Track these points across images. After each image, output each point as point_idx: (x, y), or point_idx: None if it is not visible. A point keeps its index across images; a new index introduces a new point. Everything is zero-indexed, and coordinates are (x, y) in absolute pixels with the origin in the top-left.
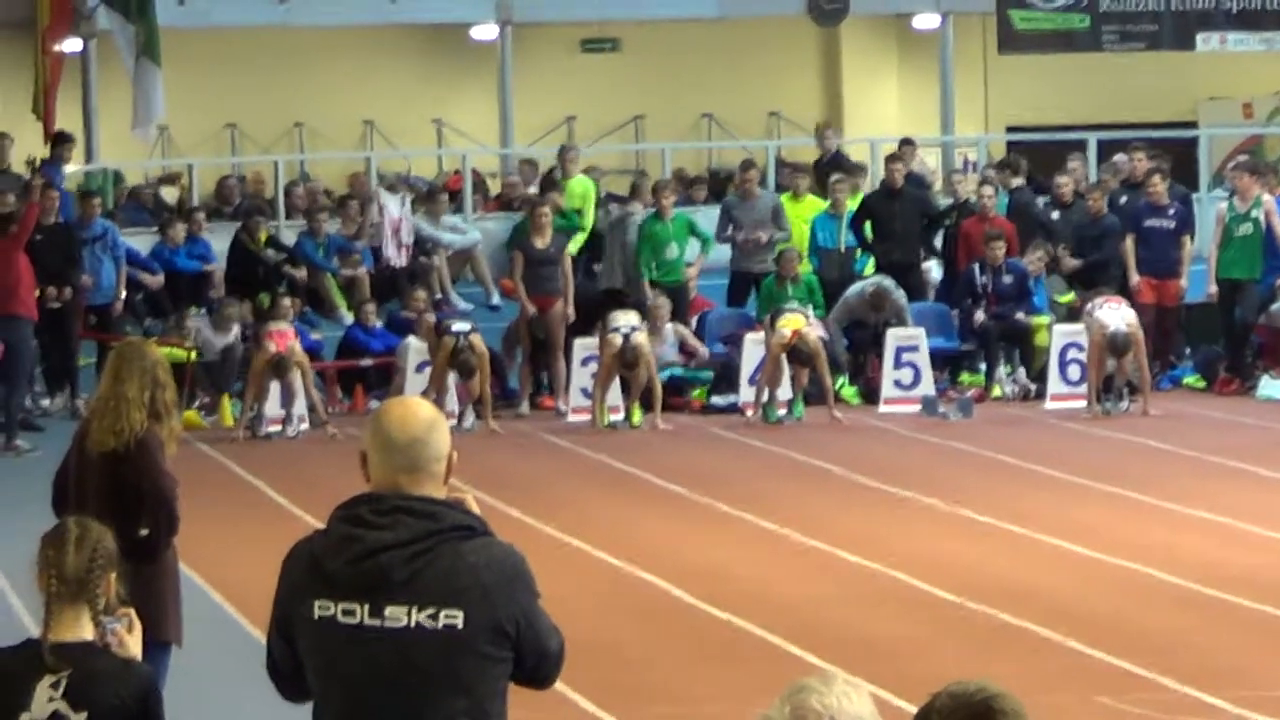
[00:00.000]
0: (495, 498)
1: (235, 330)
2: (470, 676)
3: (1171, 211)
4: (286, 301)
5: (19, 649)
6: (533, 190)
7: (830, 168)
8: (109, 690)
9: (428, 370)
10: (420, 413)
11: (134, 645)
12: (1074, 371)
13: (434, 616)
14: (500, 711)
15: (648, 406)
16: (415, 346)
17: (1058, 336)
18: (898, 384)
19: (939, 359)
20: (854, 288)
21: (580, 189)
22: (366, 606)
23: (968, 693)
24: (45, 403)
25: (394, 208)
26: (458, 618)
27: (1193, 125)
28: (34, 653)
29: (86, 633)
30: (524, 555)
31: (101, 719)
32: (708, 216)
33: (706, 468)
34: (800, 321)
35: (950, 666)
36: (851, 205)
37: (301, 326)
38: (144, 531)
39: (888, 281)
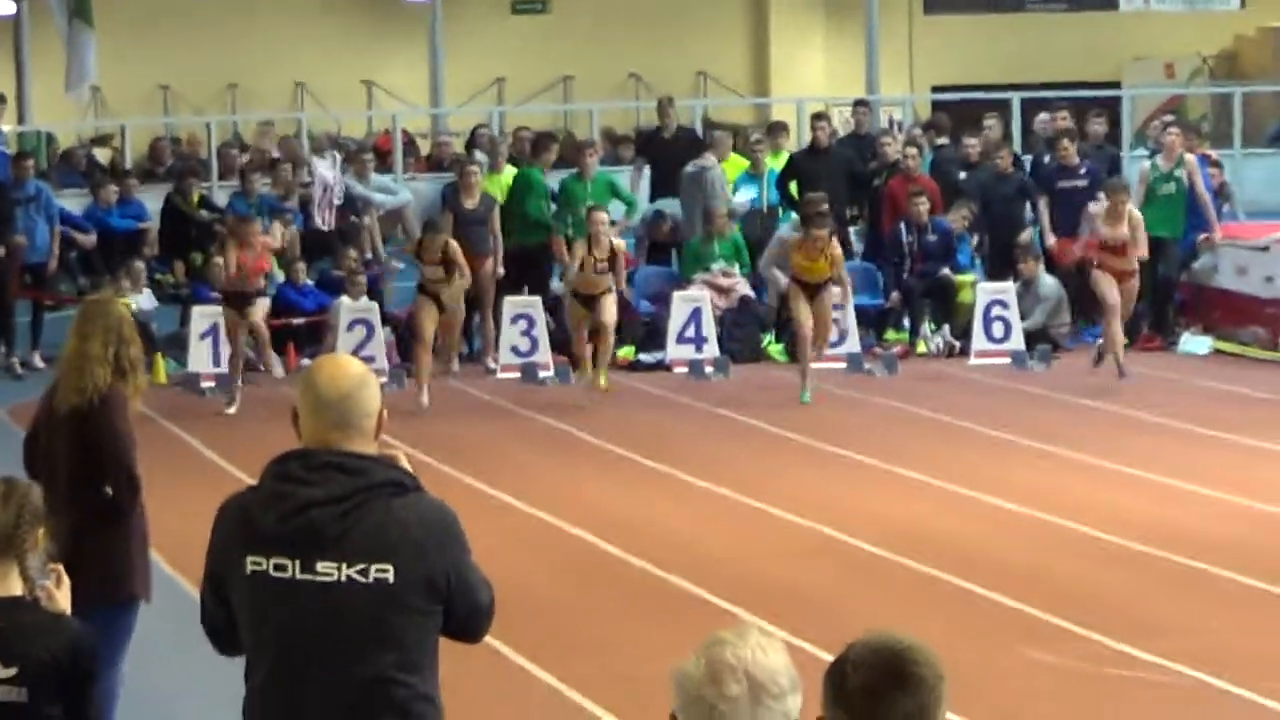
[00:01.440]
0: (426, 455)
1: (147, 291)
2: (401, 630)
3: (1083, 171)
4: (219, 260)
5: None
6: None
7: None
8: (39, 645)
9: (359, 328)
10: (350, 369)
11: (63, 600)
12: (998, 329)
13: (364, 571)
14: (431, 664)
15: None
16: (347, 305)
17: (981, 294)
18: (833, 331)
19: (864, 316)
20: (784, 227)
21: (502, 181)
22: (298, 562)
23: (882, 643)
24: None
25: (324, 169)
26: (388, 572)
27: (1116, 85)
28: None
29: (15, 588)
30: (454, 511)
31: (32, 673)
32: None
33: (639, 425)
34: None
35: (877, 619)
36: (774, 164)
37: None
38: (109, 490)
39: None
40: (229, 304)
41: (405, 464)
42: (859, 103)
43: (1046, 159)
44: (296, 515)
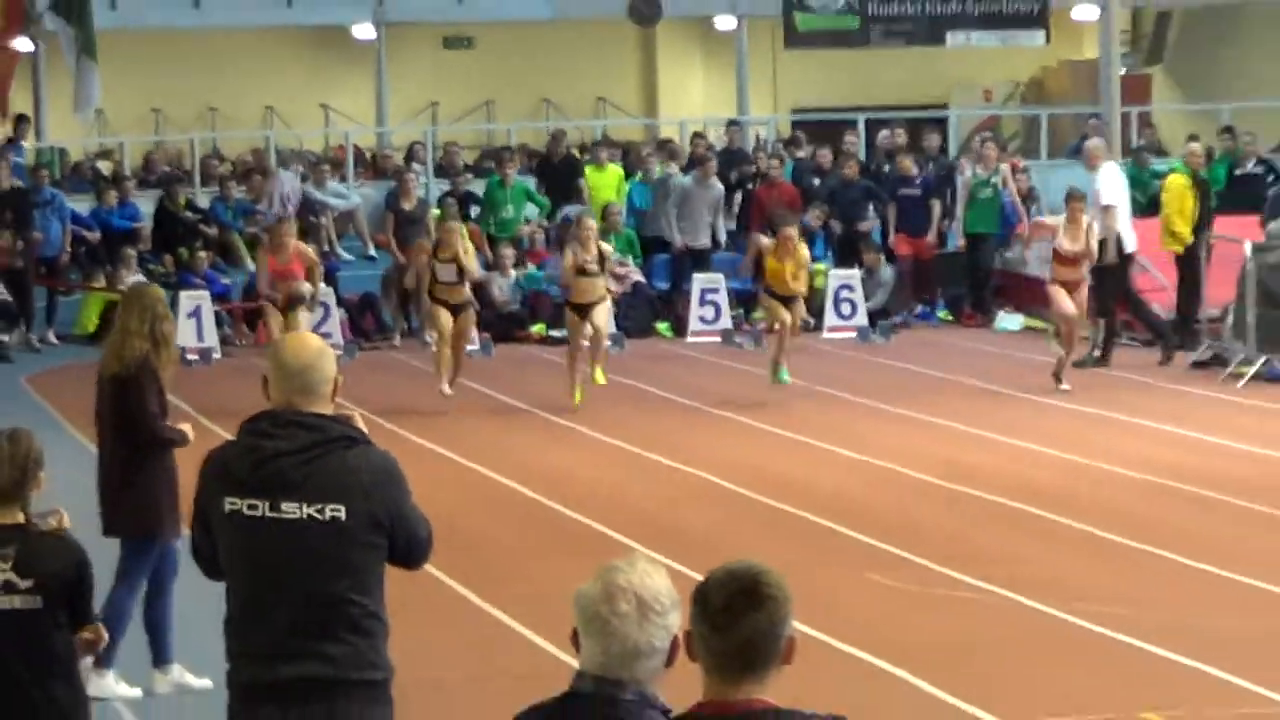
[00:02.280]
0: (375, 415)
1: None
2: (353, 559)
3: (918, 181)
4: (203, 254)
5: None
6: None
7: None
8: (49, 562)
9: (318, 309)
10: (311, 344)
11: (62, 529)
12: (845, 308)
13: (321, 510)
14: (379, 588)
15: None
16: (306, 289)
17: (832, 280)
18: (702, 319)
19: (735, 298)
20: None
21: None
22: (267, 503)
23: (739, 569)
24: (4, 338)
25: (287, 179)
26: (341, 511)
27: (944, 107)
28: None
29: (20, 519)
30: (397, 460)
31: (44, 585)
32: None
33: (553, 391)
34: None
35: (746, 551)
36: (660, 173)
37: (213, 274)
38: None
39: None
40: (274, 306)
41: (359, 423)
42: (731, 122)
43: (887, 169)
44: (266, 464)
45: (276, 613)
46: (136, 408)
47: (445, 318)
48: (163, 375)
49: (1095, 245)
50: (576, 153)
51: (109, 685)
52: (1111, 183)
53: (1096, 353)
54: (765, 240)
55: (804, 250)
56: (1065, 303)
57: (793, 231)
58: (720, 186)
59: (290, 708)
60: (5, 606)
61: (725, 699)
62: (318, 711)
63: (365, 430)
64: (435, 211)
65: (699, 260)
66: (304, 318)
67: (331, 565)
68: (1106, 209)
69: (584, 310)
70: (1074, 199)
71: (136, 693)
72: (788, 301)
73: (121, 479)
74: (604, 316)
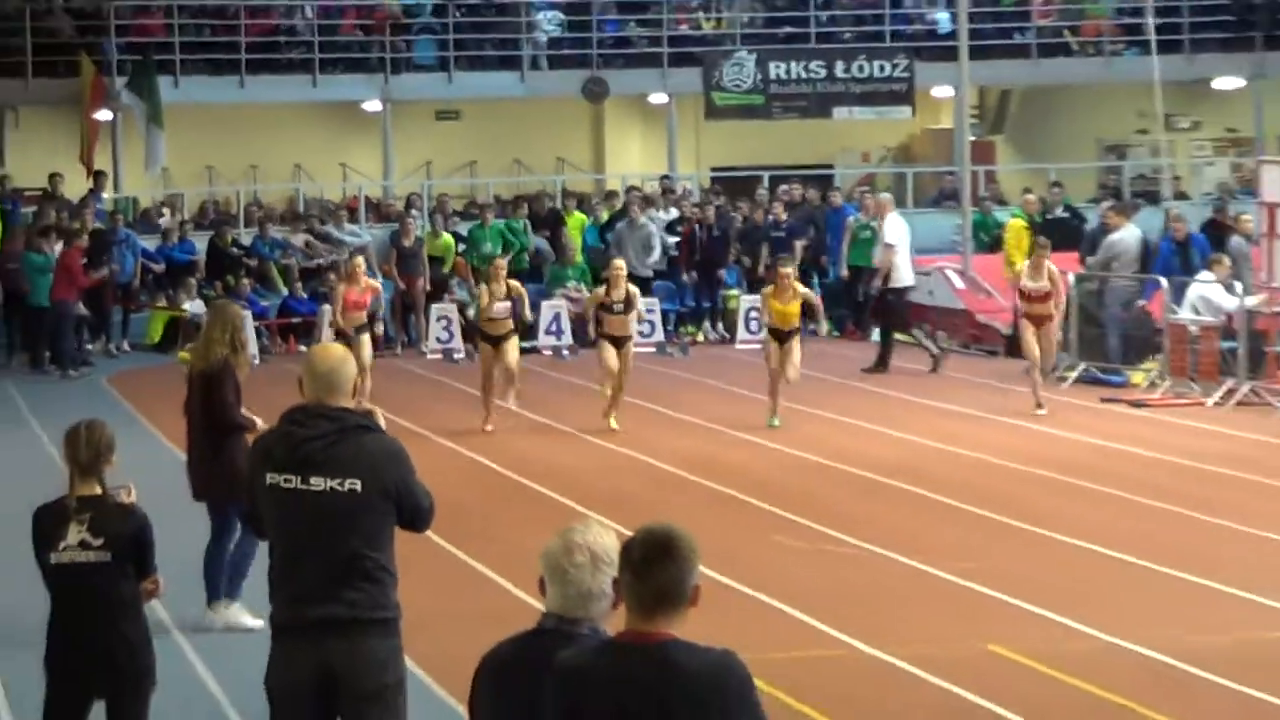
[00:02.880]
0: (388, 412)
1: (198, 300)
2: (367, 523)
3: (784, 225)
4: (245, 281)
5: (54, 503)
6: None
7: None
8: (117, 525)
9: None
10: (334, 352)
11: (131, 500)
12: (754, 325)
13: (341, 483)
14: (389, 546)
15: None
16: (326, 310)
17: (743, 303)
18: (640, 334)
19: (667, 316)
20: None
21: (445, 242)
22: (299, 477)
23: (657, 529)
24: (90, 346)
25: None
26: (358, 484)
27: (831, 166)
28: (64, 505)
29: (97, 491)
30: (403, 444)
31: (111, 543)
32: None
33: (529, 391)
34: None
35: (672, 515)
36: (605, 217)
37: (254, 297)
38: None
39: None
40: (340, 338)
41: (379, 416)
42: (663, 178)
43: (769, 216)
44: (299, 447)
45: (306, 566)
46: (218, 399)
47: (490, 357)
48: (239, 374)
49: (1063, 288)
50: (556, 204)
51: (234, 615)
52: (895, 228)
53: (877, 364)
54: (767, 288)
55: (800, 286)
56: (1031, 345)
57: (788, 270)
58: (650, 227)
59: (318, 642)
60: (82, 560)
61: (641, 631)
62: (340, 645)
63: (381, 421)
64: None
65: (642, 285)
66: (365, 340)
67: (350, 527)
68: (888, 248)
69: (618, 342)
70: (1039, 246)
71: (259, 623)
72: (784, 338)
73: (207, 455)
74: (630, 355)
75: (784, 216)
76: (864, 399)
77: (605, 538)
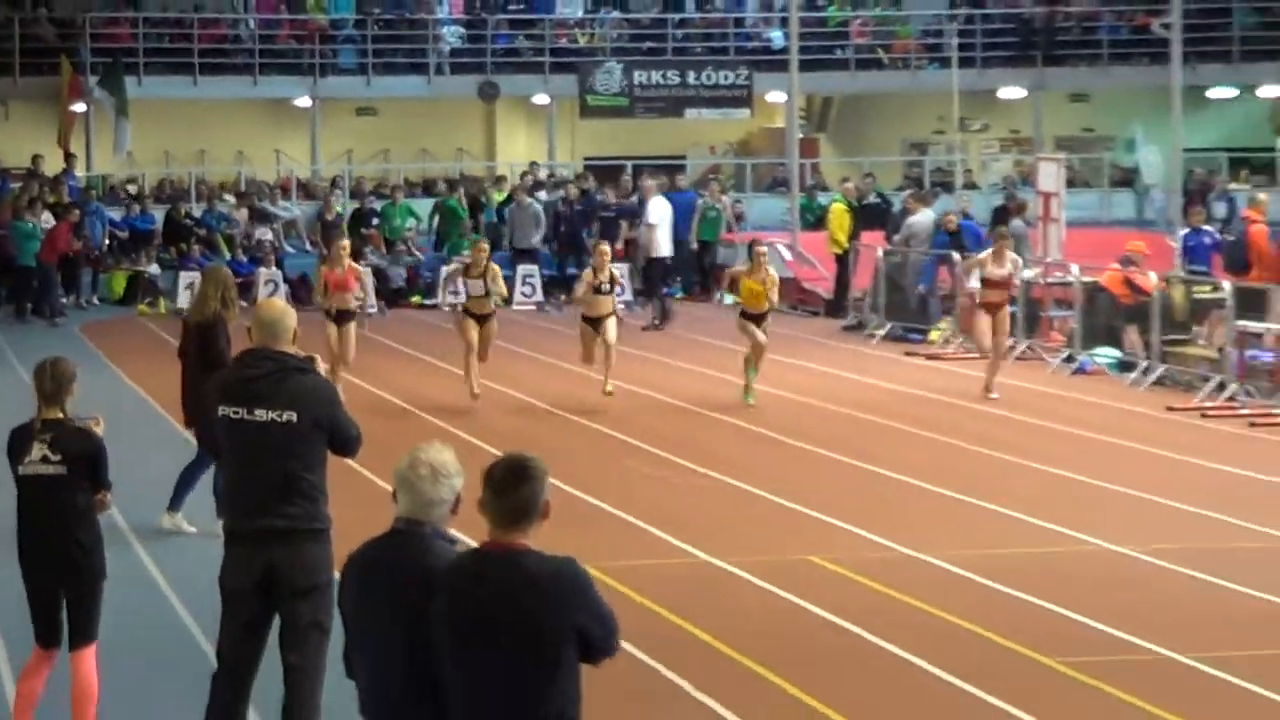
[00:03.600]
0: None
1: (154, 267)
2: (302, 449)
3: (614, 208)
4: (196, 247)
5: (25, 425)
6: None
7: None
8: (75, 444)
9: (270, 285)
10: (278, 304)
11: (99, 431)
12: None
13: (280, 415)
14: (321, 469)
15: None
16: (264, 273)
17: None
18: (524, 295)
19: (547, 281)
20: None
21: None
22: (245, 409)
23: (513, 455)
24: (65, 299)
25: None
26: (293, 416)
27: (683, 158)
28: (32, 426)
29: (60, 416)
30: (333, 383)
31: (69, 460)
32: (425, 205)
33: (429, 341)
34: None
35: (547, 446)
36: (498, 199)
37: (204, 259)
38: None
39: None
40: (329, 317)
41: (319, 363)
42: (532, 164)
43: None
44: (247, 384)
45: (252, 484)
46: (211, 344)
47: (472, 329)
48: (229, 323)
49: (1019, 276)
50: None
51: (177, 521)
52: (659, 209)
53: (656, 321)
54: (737, 267)
55: (772, 270)
56: (984, 334)
57: (764, 249)
58: (536, 206)
59: (262, 547)
60: (43, 472)
61: (500, 541)
62: (280, 550)
63: (320, 367)
64: (475, 237)
65: (527, 255)
66: (349, 330)
67: (287, 452)
68: (650, 226)
69: (596, 323)
70: (1001, 236)
71: (193, 529)
72: (759, 320)
73: (199, 391)
74: (613, 332)
75: (611, 199)
76: (711, 351)
77: (444, 454)
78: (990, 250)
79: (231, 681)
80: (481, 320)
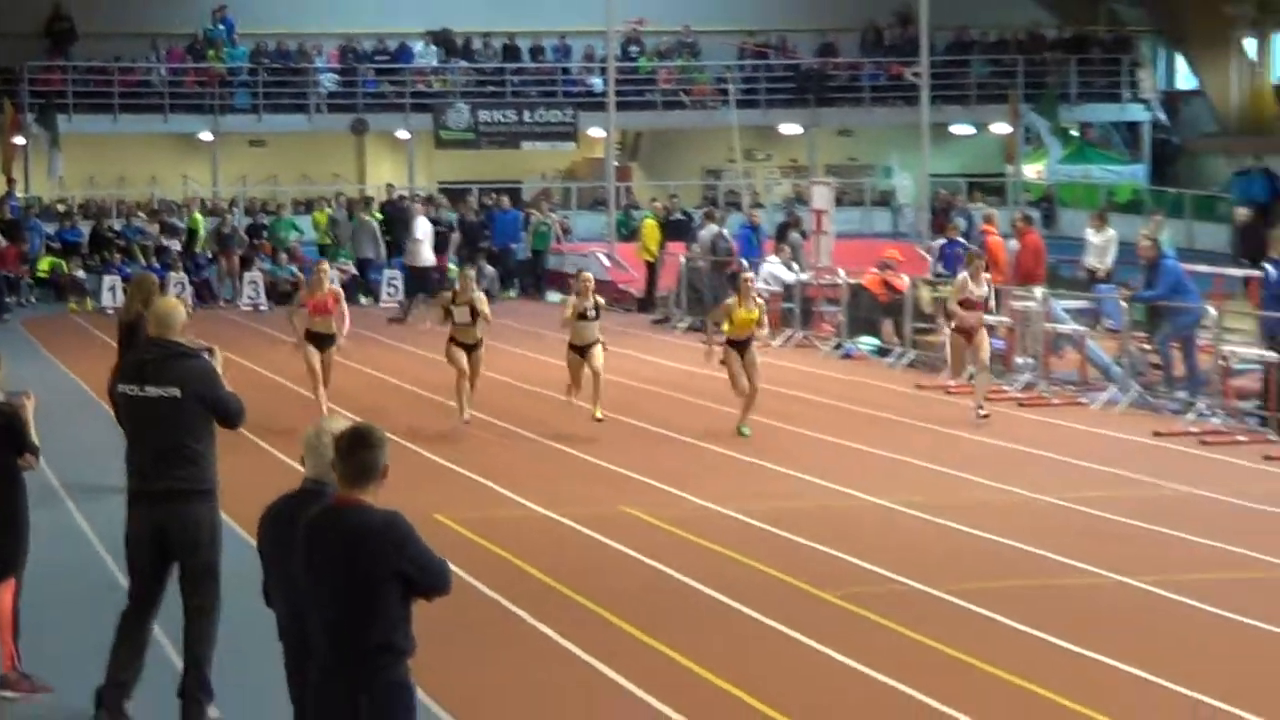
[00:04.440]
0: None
1: (81, 272)
2: (187, 421)
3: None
4: (117, 255)
5: None
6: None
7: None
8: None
9: (178, 286)
10: (170, 302)
11: (30, 410)
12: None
13: (166, 391)
14: (208, 437)
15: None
16: (173, 277)
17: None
18: (388, 294)
19: (405, 283)
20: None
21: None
22: (137, 387)
23: (359, 425)
24: (8, 300)
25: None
26: (176, 392)
27: (520, 182)
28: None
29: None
30: (214, 365)
31: None
32: (305, 220)
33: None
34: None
35: (401, 416)
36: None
37: (123, 266)
38: None
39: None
40: (309, 340)
41: (218, 353)
42: (388, 185)
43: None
44: (140, 366)
45: (146, 450)
46: (135, 339)
47: (461, 356)
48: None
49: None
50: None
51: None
52: (423, 227)
53: (400, 316)
54: (729, 300)
55: (758, 297)
56: (959, 359)
57: (750, 276)
58: (374, 223)
59: (155, 506)
60: None
61: (344, 497)
62: (170, 508)
63: (219, 355)
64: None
65: (370, 264)
66: (330, 354)
67: (174, 424)
68: (416, 241)
69: (583, 351)
70: (975, 257)
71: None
72: (743, 347)
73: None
74: (599, 360)
75: (481, 216)
76: (539, 342)
77: (340, 424)
78: (968, 272)
79: (137, 612)
80: (470, 350)
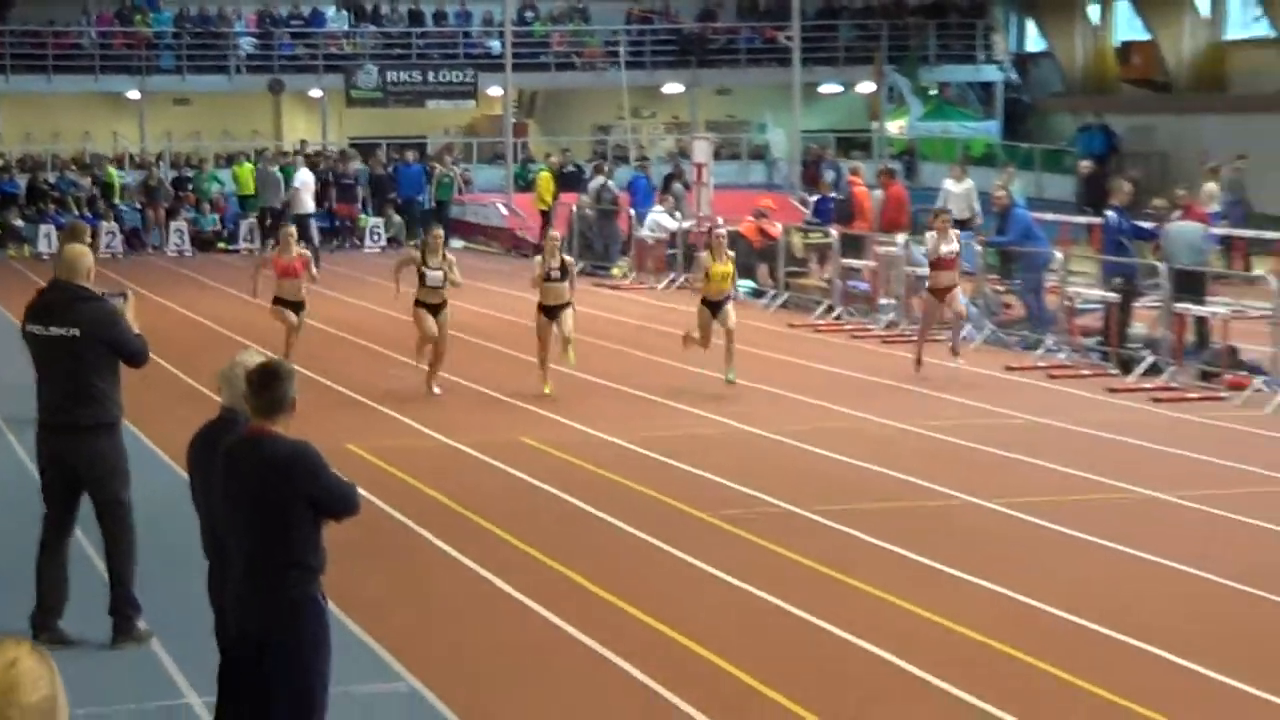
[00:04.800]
0: (131, 283)
1: (19, 221)
2: (88, 359)
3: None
4: (52, 206)
5: None
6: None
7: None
8: None
9: (108, 235)
10: (78, 249)
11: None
12: (376, 237)
13: (67, 331)
14: (111, 375)
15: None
16: (105, 226)
17: (373, 221)
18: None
19: (321, 234)
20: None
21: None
22: (42, 326)
23: (270, 360)
24: None
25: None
26: (76, 332)
27: (425, 138)
28: None
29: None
30: (116, 307)
31: None
32: (226, 173)
33: (238, 279)
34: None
35: (330, 359)
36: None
37: (57, 215)
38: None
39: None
40: (278, 303)
41: (130, 300)
42: (303, 141)
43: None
44: (47, 308)
45: (52, 386)
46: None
47: (429, 321)
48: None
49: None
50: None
51: None
52: (304, 176)
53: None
54: (703, 254)
55: (729, 251)
56: (930, 319)
57: (722, 233)
58: (310, 176)
59: (59, 437)
60: None
61: (257, 428)
62: (73, 440)
63: (131, 301)
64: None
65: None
66: (298, 320)
67: (77, 361)
68: (295, 190)
69: (552, 312)
70: (941, 214)
71: None
72: (718, 307)
73: None
74: (570, 322)
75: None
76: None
77: (256, 359)
78: (934, 232)
79: (56, 529)
80: (435, 310)
